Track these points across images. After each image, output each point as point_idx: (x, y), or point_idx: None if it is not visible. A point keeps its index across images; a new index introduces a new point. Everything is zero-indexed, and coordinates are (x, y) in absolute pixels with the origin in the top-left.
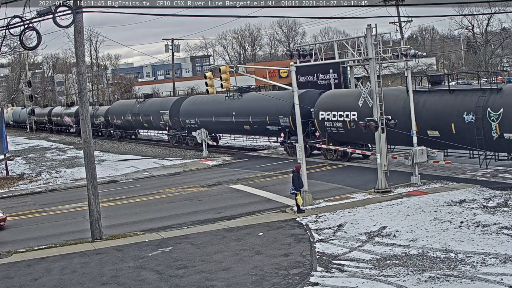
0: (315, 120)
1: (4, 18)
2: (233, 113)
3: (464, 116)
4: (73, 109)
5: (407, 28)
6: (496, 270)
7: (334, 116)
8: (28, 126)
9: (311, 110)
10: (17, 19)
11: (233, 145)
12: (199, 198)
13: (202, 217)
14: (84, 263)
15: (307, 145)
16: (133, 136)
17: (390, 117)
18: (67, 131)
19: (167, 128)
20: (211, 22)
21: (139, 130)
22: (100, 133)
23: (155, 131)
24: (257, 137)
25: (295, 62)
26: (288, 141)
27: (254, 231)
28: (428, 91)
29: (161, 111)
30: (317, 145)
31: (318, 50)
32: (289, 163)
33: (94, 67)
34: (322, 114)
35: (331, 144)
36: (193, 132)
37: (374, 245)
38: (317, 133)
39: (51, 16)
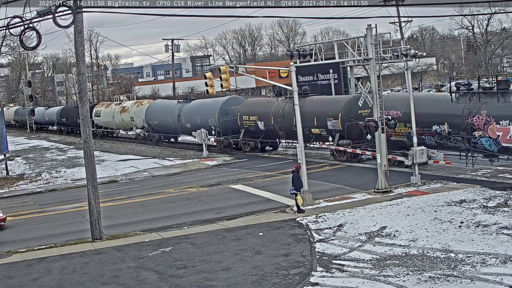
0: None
1: (4, 18)
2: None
3: None
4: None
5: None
6: (496, 270)
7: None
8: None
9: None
10: (17, 19)
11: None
12: (199, 198)
13: (202, 217)
14: (84, 263)
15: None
16: None
17: (390, 117)
18: None
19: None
20: (211, 22)
21: None
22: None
23: None
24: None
25: (295, 62)
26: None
27: (254, 231)
28: None
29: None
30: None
31: (318, 50)
32: (289, 163)
33: (94, 67)
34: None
35: None
36: (193, 132)
37: (374, 245)
38: None
39: (51, 16)
